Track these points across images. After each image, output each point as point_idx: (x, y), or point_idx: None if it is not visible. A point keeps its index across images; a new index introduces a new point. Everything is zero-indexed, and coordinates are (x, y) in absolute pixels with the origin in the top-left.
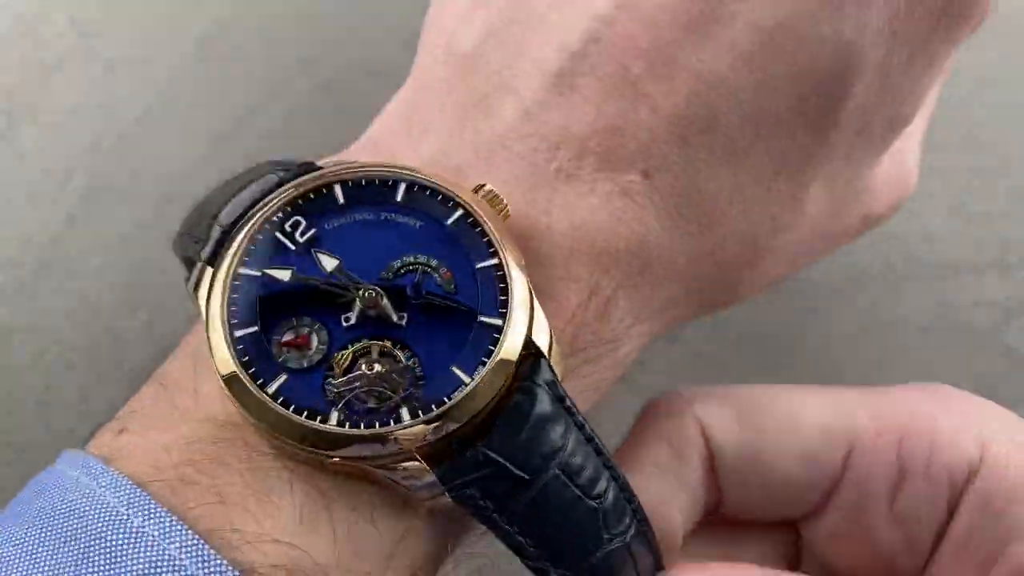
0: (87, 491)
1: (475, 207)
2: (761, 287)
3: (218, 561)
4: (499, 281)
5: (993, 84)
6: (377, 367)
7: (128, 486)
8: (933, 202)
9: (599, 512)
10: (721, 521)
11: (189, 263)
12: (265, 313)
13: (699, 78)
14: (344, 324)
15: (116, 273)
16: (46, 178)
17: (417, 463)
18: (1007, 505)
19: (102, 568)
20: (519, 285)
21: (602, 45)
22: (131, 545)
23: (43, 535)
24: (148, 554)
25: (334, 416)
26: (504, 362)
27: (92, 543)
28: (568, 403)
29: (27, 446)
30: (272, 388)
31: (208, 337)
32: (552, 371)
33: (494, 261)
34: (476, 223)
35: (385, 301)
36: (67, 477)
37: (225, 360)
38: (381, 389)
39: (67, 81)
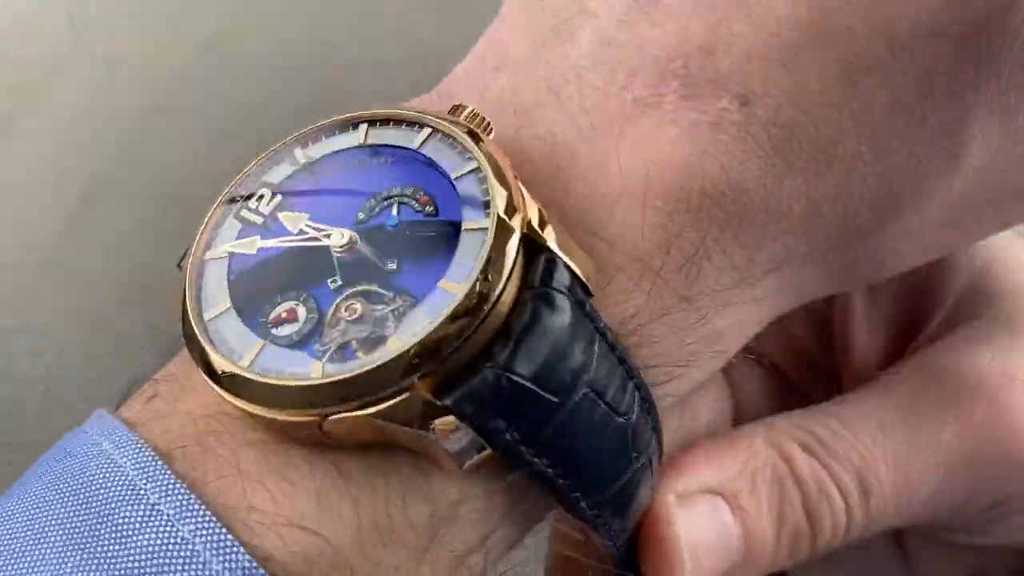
0: (108, 461)
1: (443, 124)
2: (909, 258)
3: (233, 547)
4: (481, 183)
5: None
6: (358, 307)
7: (150, 458)
8: None
9: (628, 430)
10: None
11: None
12: (241, 294)
13: None
14: (331, 287)
15: (116, 273)
16: (46, 178)
17: (420, 394)
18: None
19: (110, 547)
20: (504, 185)
21: None
22: (144, 523)
23: (56, 506)
24: (160, 534)
25: (316, 368)
26: (496, 259)
27: (104, 519)
28: (588, 308)
29: (27, 446)
30: (245, 361)
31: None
32: (570, 271)
33: (472, 165)
34: (445, 136)
35: (361, 243)
36: (92, 443)
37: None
38: (370, 330)
39: (67, 81)
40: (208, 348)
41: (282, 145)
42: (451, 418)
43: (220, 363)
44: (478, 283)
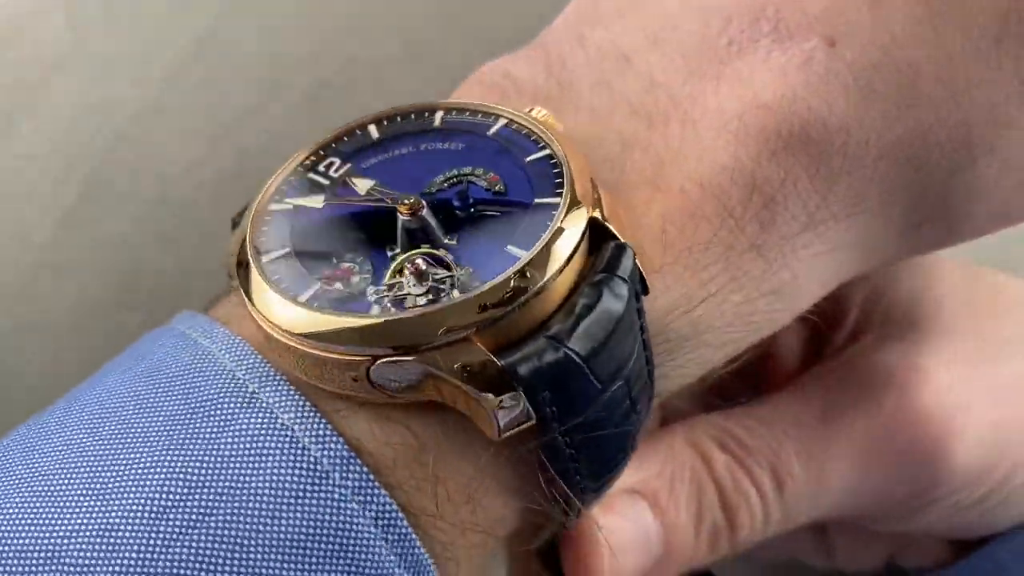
0: (203, 352)
1: (518, 115)
2: (979, 222)
3: (333, 436)
4: (554, 168)
5: None
6: (420, 263)
7: (247, 350)
8: None
9: (636, 427)
10: None
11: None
12: (301, 243)
13: None
14: (389, 254)
15: (115, 273)
16: (45, 178)
17: (480, 351)
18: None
19: (209, 431)
20: (579, 173)
21: None
22: (243, 409)
23: (151, 393)
24: (260, 420)
25: (375, 309)
26: (564, 233)
27: (202, 404)
28: (641, 303)
29: None
30: (304, 296)
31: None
32: (635, 261)
33: (546, 152)
34: (521, 127)
35: (427, 211)
36: (184, 336)
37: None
38: (429, 286)
39: (66, 81)
40: (266, 283)
41: (357, 122)
42: (479, 348)
43: (276, 298)
44: (545, 250)
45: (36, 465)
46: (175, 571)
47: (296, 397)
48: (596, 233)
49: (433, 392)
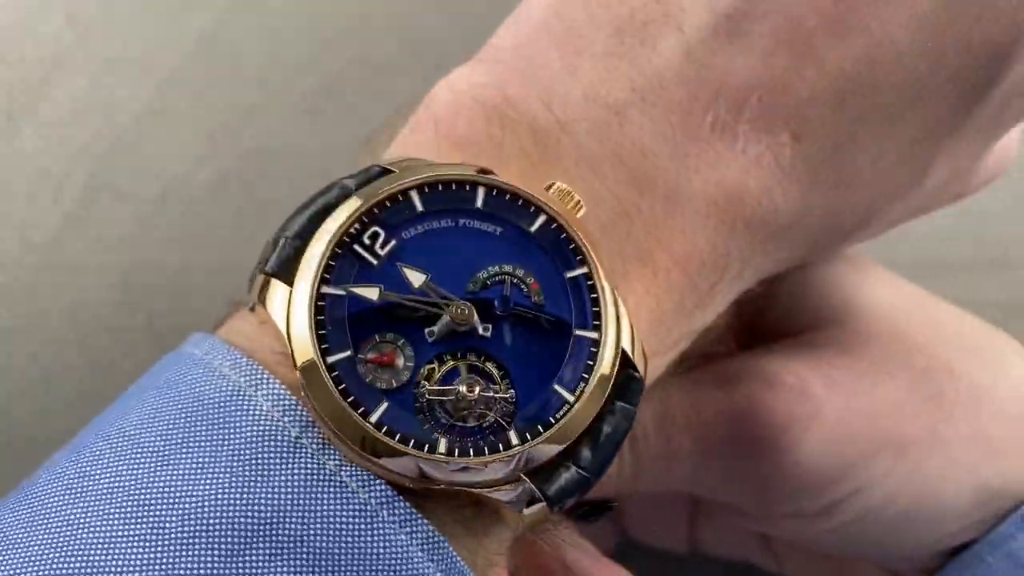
0: (236, 389)
1: (558, 213)
2: (857, 240)
3: (373, 478)
4: (590, 291)
5: None
6: (478, 389)
7: (286, 394)
8: None
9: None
10: None
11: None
12: (359, 339)
13: (871, 37)
14: (428, 339)
15: (116, 273)
16: (46, 178)
17: (526, 485)
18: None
19: (264, 478)
20: (609, 295)
21: None
22: (291, 455)
23: (164, 407)
24: (307, 466)
25: (442, 444)
26: (604, 378)
27: (248, 446)
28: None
29: (27, 446)
30: (374, 417)
31: (293, 356)
32: (642, 387)
33: (583, 270)
34: (560, 229)
35: (476, 317)
36: (189, 355)
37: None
38: (481, 410)
39: (67, 81)
40: (338, 396)
41: (398, 187)
42: (529, 486)
43: (353, 416)
44: (589, 396)
45: (80, 506)
46: None
47: (329, 448)
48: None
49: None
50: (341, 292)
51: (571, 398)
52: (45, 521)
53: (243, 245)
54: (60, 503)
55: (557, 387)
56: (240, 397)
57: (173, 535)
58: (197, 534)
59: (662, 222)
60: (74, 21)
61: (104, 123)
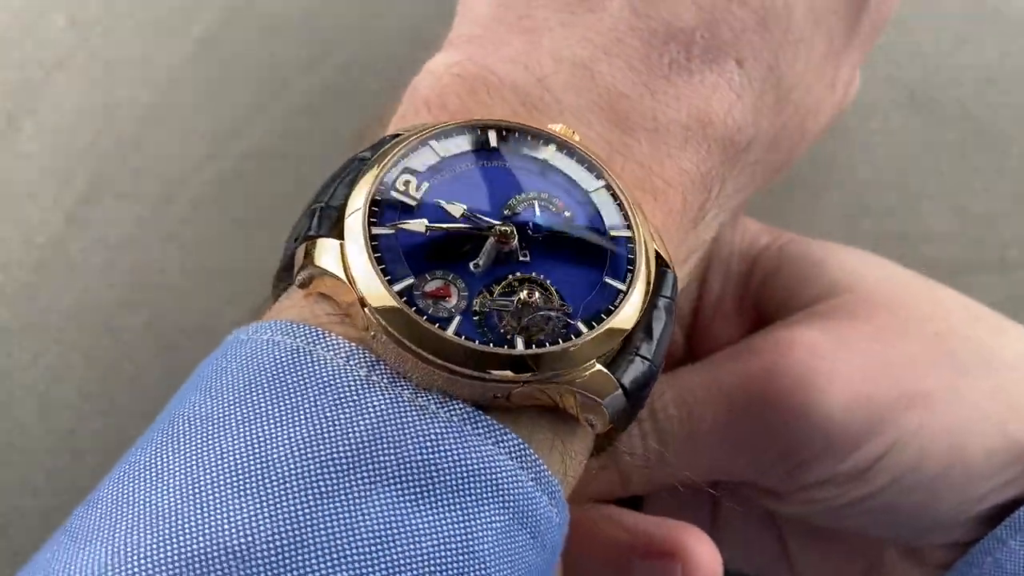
0: (255, 342)
1: (567, 139)
2: (792, 164)
3: (453, 401)
4: (614, 199)
5: (993, 84)
6: (537, 294)
7: (302, 327)
8: (933, 202)
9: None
10: None
11: (288, 265)
12: (415, 269)
13: None
14: (474, 271)
15: (116, 273)
16: (46, 178)
17: (604, 373)
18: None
19: (347, 415)
20: (636, 205)
21: None
22: (366, 389)
23: (221, 388)
24: (387, 395)
25: (519, 342)
26: (646, 269)
27: (324, 391)
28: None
29: (27, 446)
30: (451, 329)
31: (368, 309)
32: (675, 280)
33: (603, 183)
34: (572, 151)
35: (516, 237)
36: (234, 341)
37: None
38: (543, 315)
39: (67, 81)
40: (413, 314)
41: (417, 138)
42: (605, 373)
43: (435, 332)
44: (638, 287)
45: (182, 477)
46: (370, 538)
47: (401, 377)
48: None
49: (545, 399)
50: (390, 230)
51: (623, 287)
52: (140, 497)
53: (244, 245)
54: (142, 485)
55: (608, 279)
56: (300, 355)
57: (272, 480)
58: (294, 475)
59: (651, 153)
60: (75, 22)
61: (105, 123)
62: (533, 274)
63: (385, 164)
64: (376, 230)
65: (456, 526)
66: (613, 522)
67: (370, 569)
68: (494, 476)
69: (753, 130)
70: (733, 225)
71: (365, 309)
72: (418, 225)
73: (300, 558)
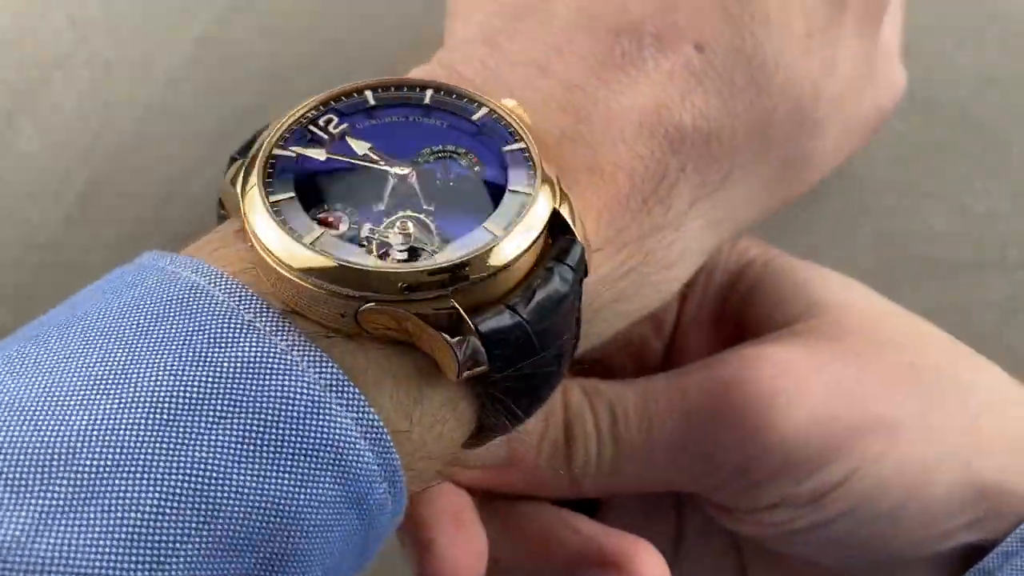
0: (192, 285)
1: (498, 105)
2: (822, 158)
3: (324, 358)
4: (527, 161)
5: (993, 84)
6: (411, 225)
7: (237, 284)
8: (933, 202)
9: (560, 375)
10: None
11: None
12: (304, 190)
13: None
14: (375, 210)
15: None
16: (46, 178)
17: (458, 311)
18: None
19: (214, 354)
20: (546, 168)
21: None
22: (242, 335)
23: (148, 319)
24: (258, 343)
25: (371, 260)
26: (532, 224)
27: (200, 329)
28: (581, 287)
29: None
30: (308, 238)
31: (244, 215)
32: (582, 252)
33: (521, 144)
34: (500, 117)
35: (415, 179)
36: (165, 271)
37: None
38: (415, 244)
39: (67, 81)
40: (273, 220)
41: (354, 86)
42: (456, 308)
43: (280, 235)
44: (517, 232)
45: (40, 372)
46: (189, 473)
47: (289, 326)
48: (556, 223)
49: (405, 335)
50: (290, 153)
51: (499, 232)
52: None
53: None
54: (11, 372)
55: (486, 225)
56: (196, 292)
57: (122, 394)
58: (144, 395)
59: (602, 139)
60: (75, 22)
61: (105, 123)
62: (421, 216)
63: (314, 103)
64: (277, 151)
65: (282, 490)
66: (569, 526)
67: (179, 502)
68: (339, 451)
69: (721, 113)
70: (733, 242)
71: (247, 224)
72: (318, 153)
73: (119, 470)
